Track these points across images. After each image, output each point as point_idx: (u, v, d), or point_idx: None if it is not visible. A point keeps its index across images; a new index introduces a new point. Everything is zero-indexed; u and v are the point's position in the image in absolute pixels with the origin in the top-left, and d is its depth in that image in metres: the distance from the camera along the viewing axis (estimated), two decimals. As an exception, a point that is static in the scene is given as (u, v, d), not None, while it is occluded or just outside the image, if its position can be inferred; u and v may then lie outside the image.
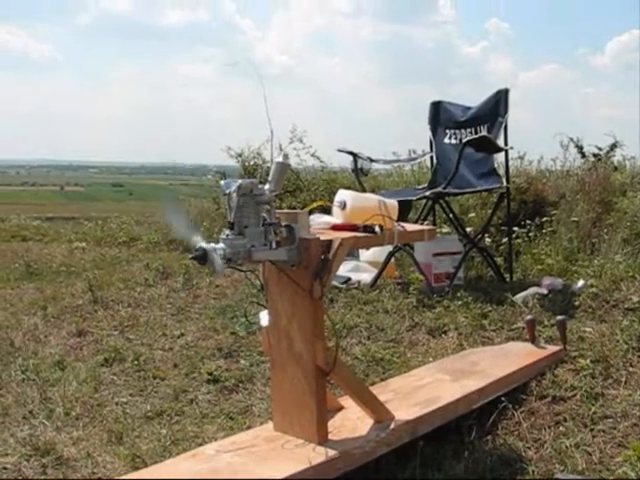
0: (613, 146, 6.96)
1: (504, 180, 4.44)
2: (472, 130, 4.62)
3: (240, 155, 7.45)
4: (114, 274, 5.32)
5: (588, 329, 3.26)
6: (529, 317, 3.27)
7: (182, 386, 3.26)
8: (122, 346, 3.78)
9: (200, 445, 2.57)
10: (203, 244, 2.01)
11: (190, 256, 2.06)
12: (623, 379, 2.80)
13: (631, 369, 2.87)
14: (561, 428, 2.55)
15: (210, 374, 3.31)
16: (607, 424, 2.53)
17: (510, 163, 4.80)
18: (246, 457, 2.22)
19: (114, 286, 4.93)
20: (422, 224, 4.02)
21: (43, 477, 2.53)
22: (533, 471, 2.32)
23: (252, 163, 7.38)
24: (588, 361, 2.94)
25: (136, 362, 3.56)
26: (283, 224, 2.16)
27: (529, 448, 2.48)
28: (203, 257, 2.00)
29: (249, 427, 2.72)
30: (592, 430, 2.51)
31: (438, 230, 4.64)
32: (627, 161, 7.09)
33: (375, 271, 4.56)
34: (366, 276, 4.57)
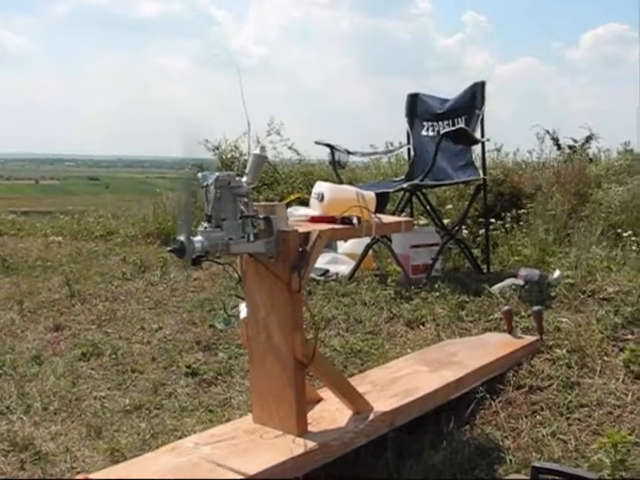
0: (588, 138, 7.02)
1: (481, 172, 4.46)
2: (449, 122, 4.63)
3: (217, 148, 7.42)
4: (91, 268, 5.29)
5: (564, 319, 3.29)
6: (506, 308, 3.29)
7: (161, 379, 3.26)
8: (100, 340, 3.76)
9: (179, 438, 2.57)
10: (181, 237, 2.00)
11: (168, 249, 2.06)
12: (598, 368, 2.84)
13: (606, 358, 2.91)
14: (538, 417, 2.58)
15: (189, 367, 3.31)
16: (583, 412, 2.56)
17: (487, 155, 4.83)
18: (225, 449, 2.22)
19: (91, 280, 4.89)
20: (400, 216, 4.03)
21: (21, 472, 2.52)
22: (510, 460, 2.35)
23: (229, 156, 7.35)
24: (564, 351, 2.97)
25: (114, 356, 3.54)
26: (261, 216, 2.16)
27: (506, 437, 2.50)
28: (181, 250, 2.00)
29: (228, 420, 2.72)
30: (568, 419, 2.54)
31: (415, 222, 4.66)
32: (602, 153, 7.17)
33: (353, 263, 4.57)
34: (344, 268, 4.58)
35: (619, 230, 4.68)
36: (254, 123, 6.53)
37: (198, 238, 2.03)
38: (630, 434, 2.35)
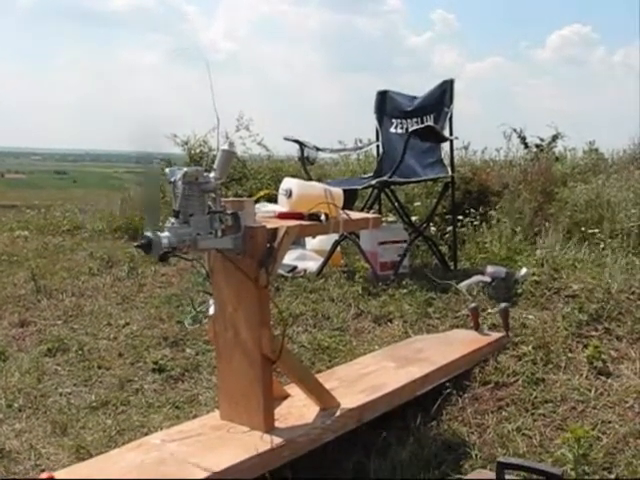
0: (555, 137, 7.10)
1: (449, 169, 4.49)
2: (418, 120, 4.66)
3: (186, 143, 7.38)
4: (58, 263, 5.23)
5: (530, 316, 3.32)
6: (473, 305, 3.32)
7: (127, 376, 3.24)
8: (66, 336, 3.73)
9: (146, 435, 2.55)
10: (148, 232, 1.99)
11: (135, 244, 2.05)
12: (563, 364, 2.87)
13: (570, 355, 2.95)
14: (503, 413, 2.61)
15: (156, 363, 3.29)
16: (547, 408, 2.60)
17: (455, 153, 4.86)
18: (192, 446, 2.22)
19: (58, 275, 4.85)
20: (368, 213, 4.04)
21: (-16, 470, 2.49)
22: (476, 455, 2.37)
23: (198, 151, 7.32)
24: (530, 347, 3.00)
25: (80, 352, 3.51)
26: (229, 212, 2.16)
27: (472, 433, 2.52)
28: (148, 245, 1.99)
29: (195, 416, 2.71)
30: (533, 414, 2.57)
31: (383, 219, 4.68)
32: (568, 152, 7.26)
33: (321, 259, 4.58)
34: (312, 264, 4.58)
35: (584, 228, 4.74)
36: (223, 118, 6.50)
37: (165, 234, 2.01)
38: (593, 429, 2.39)
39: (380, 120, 4.91)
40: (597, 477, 2.15)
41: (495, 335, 3.15)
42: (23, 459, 2.54)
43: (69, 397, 3.08)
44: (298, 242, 4.74)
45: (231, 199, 2.30)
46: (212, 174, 2.16)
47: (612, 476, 2.17)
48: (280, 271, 4.10)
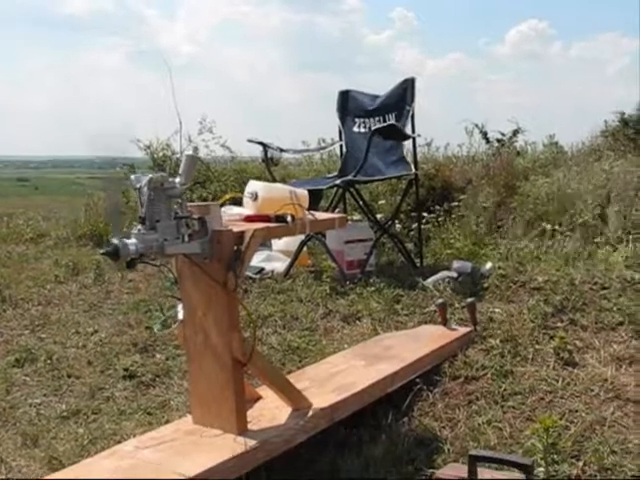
0: (515, 132, 7.18)
1: (412, 167, 4.53)
2: (380, 118, 4.69)
3: (149, 147, 7.35)
4: (22, 272, 5.18)
5: (497, 310, 3.37)
6: (440, 301, 3.35)
7: (98, 383, 3.22)
8: (34, 345, 3.69)
9: (119, 442, 2.53)
10: (115, 240, 1.99)
11: (101, 251, 2.04)
12: (530, 356, 2.92)
13: (537, 346, 2.99)
14: (474, 407, 2.64)
15: (126, 370, 3.27)
16: (516, 400, 2.63)
17: (418, 150, 4.90)
18: (166, 451, 2.21)
19: (23, 284, 4.80)
20: (333, 212, 4.06)
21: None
22: (448, 450, 2.39)
23: (161, 155, 7.29)
24: (497, 341, 3.04)
25: (49, 361, 3.48)
26: (195, 217, 2.16)
27: (444, 427, 2.55)
28: (115, 252, 1.98)
29: (168, 421, 2.70)
30: (503, 407, 2.60)
31: (349, 217, 4.71)
32: (529, 146, 7.34)
33: (288, 260, 4.59)
34: (279, 265, 4.59)
35: (546, 221, 4.80)
36: (186, 121, 6.49)
37: (132, 240, 2.01)
38: (561, 418, 2.43)
39: (343, 119, 4.95)
40: (566, 465, 2.19)
41: (463, 330, 3.18)
42: (-7, 472, 2.51)
43: (39, 407, 3.04)
44: (264, 243, 4.74)
45: (197, 203, 2.30)
46: (177, 179, 2.15)
47: (580, 463, 2.21)
48: (247, 273, 4.10)
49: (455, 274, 3.91)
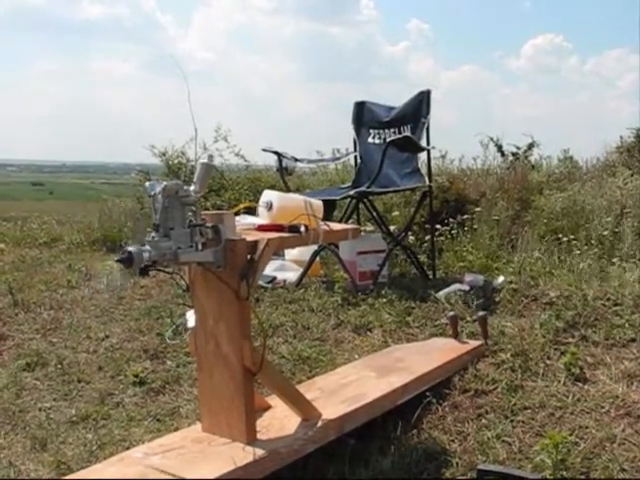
0: (530, 145, 7.18)
1: (426, 179, 4.52)
2: (395, 130, 4.70)
3: (164, 154, 7.38)
4: (35, 276, 5.20)
5: (508, 324, 3.36)
6: (451, 313, 3.35)
7: (108, 389, 3.22)
8: (45, 350, 3.71)
9: (127, 449, 2.54)
10: (130, 247, 2.00)
11: (116, 258, 2.05)
12: (541, 371, 2.91)
13: (548, 362, 2.98)
14: (483, 420, 2.62)
15: (136, 376, 3.28)
16: (526, 415, 2.62)
17: (432, 162, 4.90)
18: (174, 459, 2.22)
19: (35, 288, 4.82)
20: (346, 223, 4.06)
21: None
22: (457, 463, 2.38)
23: (176, 162, 7.33)
24: (508, 355, 3.03)
25: (60, 366, 3.49)
26: (209, 225, 2.17)
27: (453, 441, 2.54)
28: (129, 259, 1.99)
29: (177, 429, 2.70)
30: (512, 421, 2.59)
31: (362, 229, 4.71)
32: (543, 160, 7.34)
33: (300, 270, 4.59)
34: (291, 275, 4.60)
35: (560, 235, 4.79)
36: (201, 129, 6.54)
37: (146, 248, 2.02)
38: (570, 434, 2.42)
39: (358, 131, 4.95)
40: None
41: (474, 343, 3.17)
42: (2, 476, 2.52)
43: (49, 412, 3.06)
44: (277, 252, 4.75)
45: (211, 212, 2.31)
46: (192, 187, 2.17)
47: (590, 481, 2.20)
48: (260, 282, 4.11)
49: (467, 287, 3.90)
